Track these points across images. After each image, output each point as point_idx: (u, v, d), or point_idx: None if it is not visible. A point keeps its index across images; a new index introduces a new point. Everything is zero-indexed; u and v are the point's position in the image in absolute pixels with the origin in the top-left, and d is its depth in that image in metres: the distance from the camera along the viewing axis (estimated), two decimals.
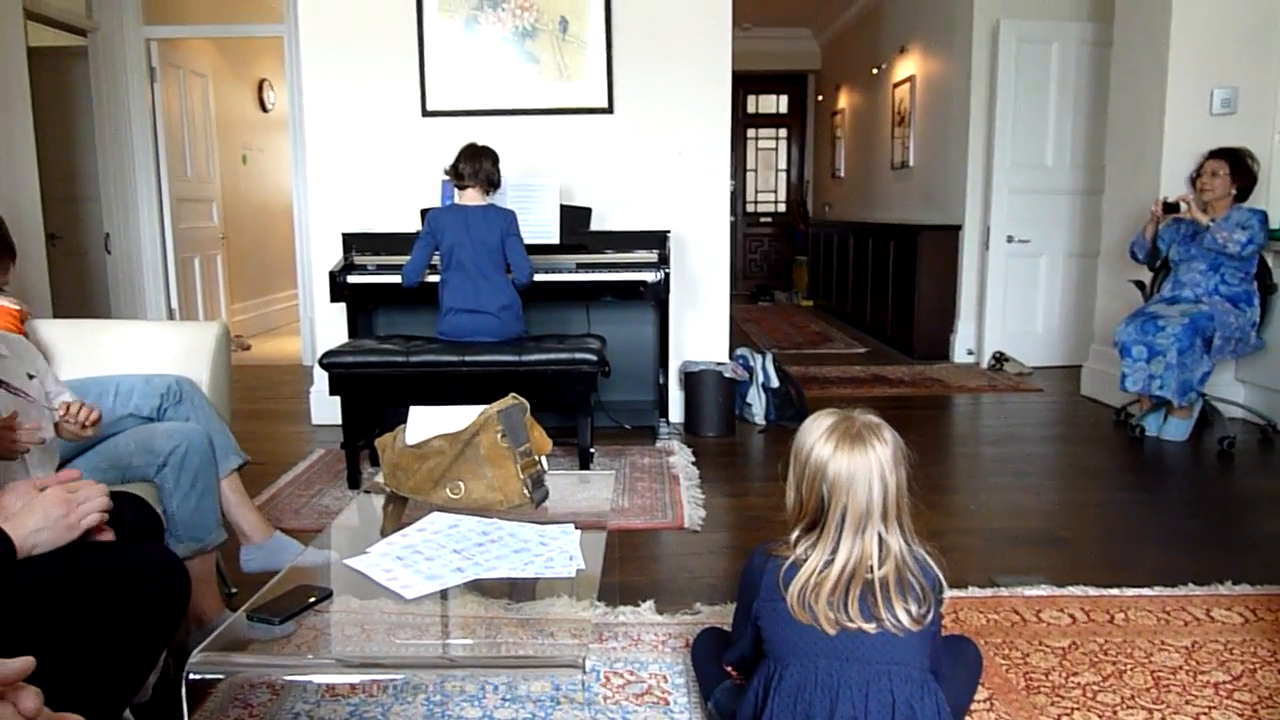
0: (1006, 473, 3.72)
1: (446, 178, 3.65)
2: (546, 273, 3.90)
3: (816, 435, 1.54)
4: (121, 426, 2.16)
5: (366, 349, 3.50)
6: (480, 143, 3.60)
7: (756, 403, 4.47)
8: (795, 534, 1.57)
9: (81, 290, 6.06)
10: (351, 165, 4.42)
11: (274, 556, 2.36)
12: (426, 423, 2.09)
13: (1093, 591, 2.48)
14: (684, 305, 4.47)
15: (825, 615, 1.48)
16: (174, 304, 6.31)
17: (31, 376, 1.85)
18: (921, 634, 1.50)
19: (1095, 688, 2.00)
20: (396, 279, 3.73)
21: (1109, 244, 5.10)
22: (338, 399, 3.51)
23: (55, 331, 2.01)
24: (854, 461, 1.50)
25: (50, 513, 1.42)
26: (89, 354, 1.92)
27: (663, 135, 4.42)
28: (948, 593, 1.58)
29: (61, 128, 5.96)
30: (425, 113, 4.38)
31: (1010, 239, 5.96)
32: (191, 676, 1.45)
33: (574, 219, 4.13)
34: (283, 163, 7.59)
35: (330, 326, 4.35)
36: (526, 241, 3.64)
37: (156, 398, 2.20)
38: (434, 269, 3.63)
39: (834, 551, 1.51)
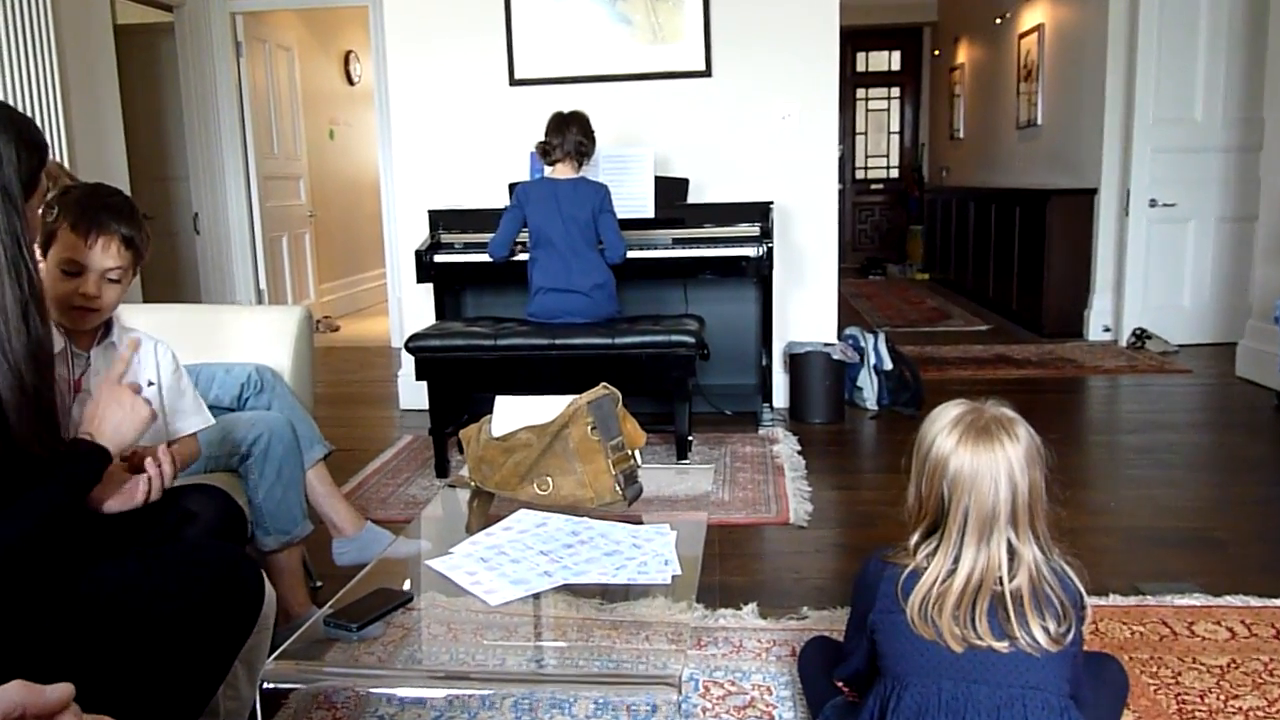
0: (1150, 465, 3.45)
1: (536, 152, 3.54)
2: (641, 249, 3.76)
3: (940, 426, 1.44)
4: None
5: (453, 332, 3.45)
6: (567, 110, 3.47)
7: (868, 386, 4.26)
8: (915, 538, 1.47)
9: (172, 271, 6.11)
10: (438, 139, 4.36)
11: (367, 549, 2.33)
12: (513, 414, 2.03)
13: (1254, 602, 2.26)
14: (789, 282, 4.28)
15: (950, 631, 1.38)
16: (262, 284, 6.33)
17: (150, 384, 1.79)
18: (1061, 655, 1.38)
19: (1260, 713, 1.80)
20: (485, 258, 3.67)
21: (1268, 206, 4.67)
22: (425, 383, 3.46)
23: (137, 319, 2.00)
24: (979, 458, 1.39)
25: (118, 401, 1.44)
26: (170, 342, 1.89)
27: (765, 98, 4.21)
28: (1090, 607, 1.45)
29: (150, 106, 6.04)
30: (513, 82, 4.29)
31: (1154, 203, 5.54)
32: (266, 686, 1.41)
33: (670, 191, 3.99)
34: (370, 137, 7.50)
35: (418, 307, 4.31)
36: (620, 215, 3.52)
37: (237, 387, 2.19)
38: (523, 246, 3.54)
39: (956, 560, 1.40)
